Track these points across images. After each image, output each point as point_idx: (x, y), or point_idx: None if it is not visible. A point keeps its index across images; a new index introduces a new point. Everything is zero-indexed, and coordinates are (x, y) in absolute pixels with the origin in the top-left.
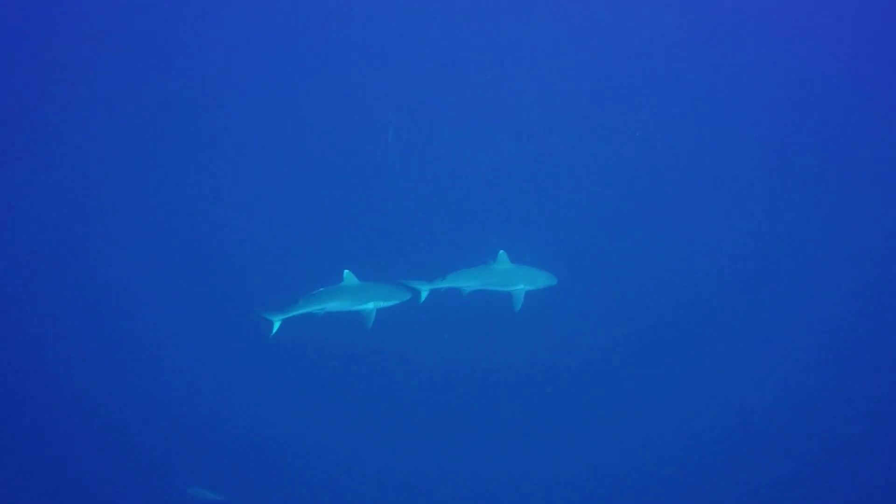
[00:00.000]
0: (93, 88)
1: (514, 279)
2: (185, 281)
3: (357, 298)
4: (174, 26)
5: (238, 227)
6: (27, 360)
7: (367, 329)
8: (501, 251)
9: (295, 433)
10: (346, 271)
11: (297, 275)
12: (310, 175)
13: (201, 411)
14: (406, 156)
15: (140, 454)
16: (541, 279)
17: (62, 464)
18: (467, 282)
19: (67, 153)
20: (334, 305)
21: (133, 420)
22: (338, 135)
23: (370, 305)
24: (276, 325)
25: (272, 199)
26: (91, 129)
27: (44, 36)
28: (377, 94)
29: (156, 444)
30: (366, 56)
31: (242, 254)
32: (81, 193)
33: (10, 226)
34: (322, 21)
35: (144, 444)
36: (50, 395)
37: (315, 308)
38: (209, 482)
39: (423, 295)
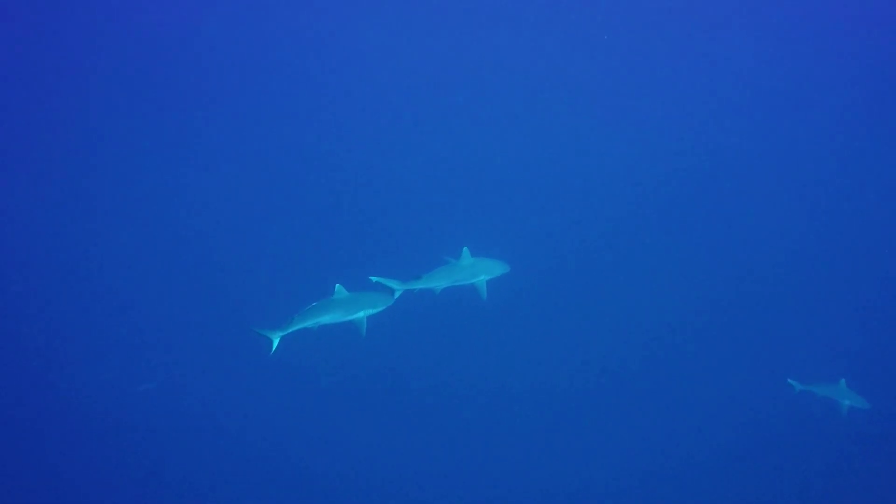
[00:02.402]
0: (81, 108)
1: (478, 271)
2: (182, 294)
3: (348, 309)
4: (154, 44)
5: (232, 240)
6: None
7: (361, 337)
8: (465, 248)
9: (287, 438)
10: (337, 285)
11: (288, 286)
12: (294, 189)
13: (196, 421)
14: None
15: (139, 462)
16: (497, 268)
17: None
18: (440, 281)
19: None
20: (328, 318)
21: (130, 430)
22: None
23: (361, 314)
24: (276, 342)
25: (262, 211)
26: (84, 149)
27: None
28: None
29: (153, 453)
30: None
31: (238, 267)
32: (72, 218)
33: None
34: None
35: (143, 452)
36: (46, 404)
37: (311, 323)
38: (209, 484)
39: (397, 294)
